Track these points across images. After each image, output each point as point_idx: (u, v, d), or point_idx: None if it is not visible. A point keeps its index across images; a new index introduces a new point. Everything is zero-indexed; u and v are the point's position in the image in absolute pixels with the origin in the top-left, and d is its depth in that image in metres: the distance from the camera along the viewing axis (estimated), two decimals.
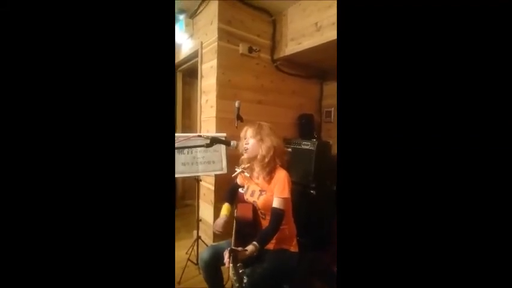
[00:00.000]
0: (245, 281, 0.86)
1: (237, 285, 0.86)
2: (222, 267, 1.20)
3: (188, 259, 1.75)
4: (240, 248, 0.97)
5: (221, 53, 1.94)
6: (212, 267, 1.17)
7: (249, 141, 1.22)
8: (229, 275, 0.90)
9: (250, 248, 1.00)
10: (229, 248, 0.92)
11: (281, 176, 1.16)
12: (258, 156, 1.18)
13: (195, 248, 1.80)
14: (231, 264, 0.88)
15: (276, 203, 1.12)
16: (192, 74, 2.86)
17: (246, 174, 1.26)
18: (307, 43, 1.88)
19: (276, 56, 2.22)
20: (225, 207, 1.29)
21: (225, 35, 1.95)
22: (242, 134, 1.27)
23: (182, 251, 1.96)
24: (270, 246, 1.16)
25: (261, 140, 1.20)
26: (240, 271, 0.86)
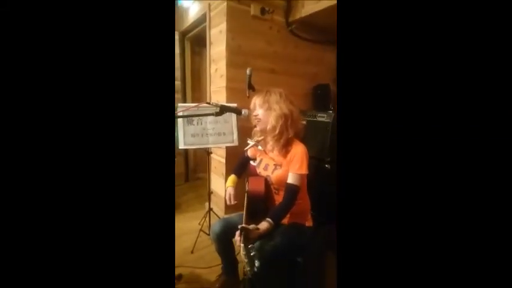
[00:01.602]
0: (257, 265, 0.79)
1: (248, 269, 0.80)
2: (234, 240, 1.19)
3: (200, 230, 1.78)
4: (252, 226, 0.91)
5: (231, 15, 1.77)
6: (223, 239, 1.16)
7: (258, 111, 1.12)
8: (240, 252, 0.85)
9: (264, 225, 0.96)
10: (240, 226, 0.86)
11: (299, 150, 1.07)
12: (268, 127, 1.08)
13: (207, 219, 1.82)
14: (242, 244, 0.82)
15: (291, 179, 1.05)
16: (200, 42, 2.70)
17: (259, 147, 1.18)
18: (328, 1, 1.67)
19: (291, 18, 2.01)
20: (230, 179, 1.25)
21: None
22: (252, 105, 1.16)
23: (195, 222, 2.00)
24: (285, 220, 1.12)
25: (269, 108, 1.08)
26: (252, 253, 0.80)
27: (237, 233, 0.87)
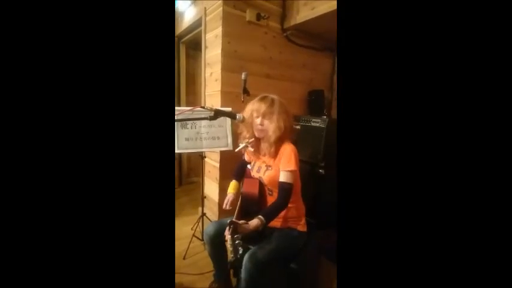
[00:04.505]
0: (240, 252, 0.83)
1: (232, 255, 0.84)
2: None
3: (193, 235, 1.75)
4: (241, 221, 0.93)
5: (226, 20, 1.78)
6: (216, 242, 1.15)
7: (264, 121, 1.10)
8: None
9: (254, 221, 0.96)
10: (229, 221, 0.88)
11: (287, 149, 1.08)
12: (268, 134, 1.10)
13: (200, 224, 1.79)
14: (229, 236, 0.85)
15: (282, 177, 1.05)
16: (196, 46, 2.70)
17: (250, 148, 1.19)
18: (322, 8, 1.70)
19: (286, 25, 2.04)
20: (232, 185, 1.24)
21: None
22: (250, 112, 1.14)
23: (187, 227, 1.97)
24: (277, 224, 1.11)
25: (273, 119, 1.09)
26: (236, 242, 0.84)
27: (227, 227, 0.88)
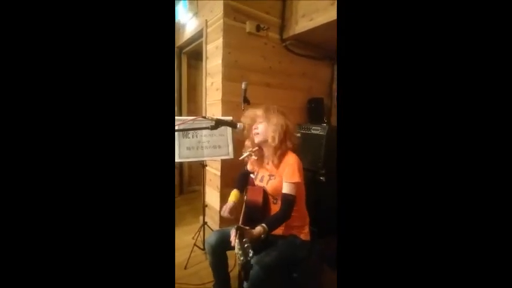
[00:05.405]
0: (250, 254, 0.82)
1: (242, 258, 0.82)
2: (228, 253, 1.17)
3: (194, 244, 1.74)
4: (247, 227, 0.94)
5: (227, 32, 1.82)
6: (218, 252, 1.14)
7: (258, 126, 1.15)
8: (235, 260, 0.86)
9: (258, 229, 0.97)
10: (236, 226, 0.89)
11: (290, 160, 1.09)
12: (269, 139, 1.12)
13: (201, 233, 1.79)
14: (237, 240, 0.85)
15: (286, 189, 1.06)
16: (197, 56, 2.75)
17: (253, 157, 1.20)
18: (320, 19, 1.74)
19: (285, 35, 2.08)
20: (233, 193, 1.24)
21: (231, 12, 1.82)
22: (247, 119, 1.19)
23: (188, 236, 1.96)
24: (280, 232, 1.11)
25: (269, 121, 1.13)
26: (246, 245, 0.83)
27: (233, 232, 0.89)
